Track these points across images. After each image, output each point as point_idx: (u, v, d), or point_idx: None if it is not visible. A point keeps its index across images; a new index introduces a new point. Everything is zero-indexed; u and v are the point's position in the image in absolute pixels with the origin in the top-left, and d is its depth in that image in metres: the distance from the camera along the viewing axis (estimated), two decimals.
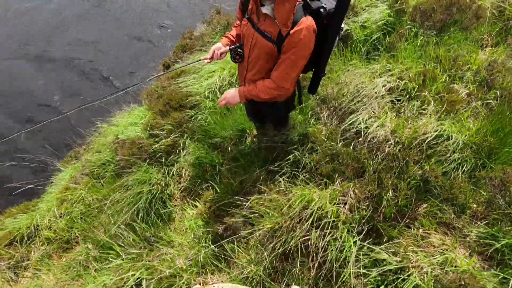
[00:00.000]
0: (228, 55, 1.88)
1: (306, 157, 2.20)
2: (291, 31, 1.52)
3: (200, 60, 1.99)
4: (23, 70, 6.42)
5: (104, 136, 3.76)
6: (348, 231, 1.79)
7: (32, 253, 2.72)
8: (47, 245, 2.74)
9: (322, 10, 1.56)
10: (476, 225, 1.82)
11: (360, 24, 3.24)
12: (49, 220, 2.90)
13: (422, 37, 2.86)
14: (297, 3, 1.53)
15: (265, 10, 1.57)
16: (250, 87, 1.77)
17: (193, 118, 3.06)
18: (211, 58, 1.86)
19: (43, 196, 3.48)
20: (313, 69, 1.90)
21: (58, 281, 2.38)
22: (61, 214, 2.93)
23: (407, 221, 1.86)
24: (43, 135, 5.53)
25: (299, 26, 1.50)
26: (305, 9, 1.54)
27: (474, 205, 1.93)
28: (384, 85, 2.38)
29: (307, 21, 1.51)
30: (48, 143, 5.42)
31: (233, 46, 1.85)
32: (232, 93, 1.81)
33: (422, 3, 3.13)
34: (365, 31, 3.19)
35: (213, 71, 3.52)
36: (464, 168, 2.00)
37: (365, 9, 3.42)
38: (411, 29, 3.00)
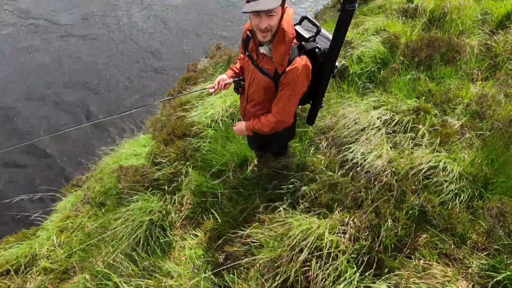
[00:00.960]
0: (232, 86, 2.03)
1: (306, 187, 2.25)
2: (287, 69, 1.64)
3: (205, 89, 2.11)
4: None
5: (107, 164, 3.82)
6: (348, 261, 1.78)
7: (28, 283, 2.67)
8: (44, 275, 2.70)
9: (317, 50, 1.69)
10: (477, 256, 1.81)
11: (356, 56, 3.44)
12: (47, 249, 2.87)
13: (413, 72, 3.02)
14: (293, 44, 1.64)
15: (263, 50, 1.70)
16: (254, 122, 1.90)
17: (195, 146, 3.14)
18: (217, 88, 1.99)
19: (43, 224, 3.47)
20: (311, 102, 2.03)
21: None
22: (60, 243, 2.90)
23: (407, 252, 1.86)
24: (47, 161, 5.61)
25: (293, 65, 1.62)
26: (300, 49, 1.66)
27: (474, 236, 1.94)
28: (379, 118, 2.48)
29: (302, 61, 1.63)
30: (51, 170, 5.48)
31: (236, 79, 1.99)
32: (239, 127, 2.01)
33: (410, 41, 3.35)
34: (360, 65, 3.37)
35: (216, 102, 3.66)
36: (461, 198, 2.04)
37: (360, 44, 3.64)
38: (403, 63, 3.18)
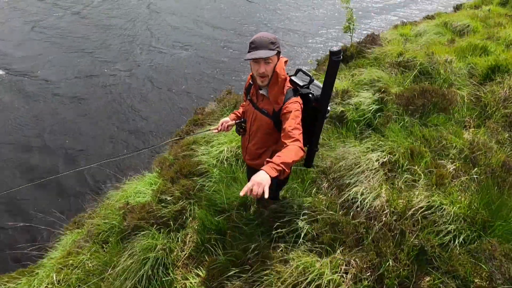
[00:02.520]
0: (234, 128, 2.29)
1: (307, 226, 2.30)
2: (284, 106, 1.88)
3: (210, 130, 2.40)
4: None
5: (112, 202, 3.88)
6: None
7: None
8: None
9: (310, 95, 1.95)
10: None
11: (353, 106, 3.70)
12: (46, 286, 2.82)
13: (407, 119, 3.24)
14: (288, 87, 1.92)
15: (262, 91, 1.98)
16: (277, 159, 1.61)
17: (201, 186, 3.24)
18: (220, 129, 2.26)
19: (42, 261, 3.43)
20: (307, 146, 2.19)
21: None
22: (60, 280, 2.86)
23: None
24: (49, 196, 5.67)
25: (290, 100, 1.88)
26: (296, 92, 1.93)
27: (477, 280, 1.94)
28: (377, 160, 2.62)
29: (296, 98, 1.90)
30: (53, 206, 5.51)
31: (238, 121, 2.27)
32: (259, 178, 1.51)
33: (404, 90, 3.63)
34: (358, 113, 3.62)
35: (222, 143, 3.85)
36: (460, 240, 2.07)
37: (356, 94, 3.94)
38: (398, 112, 3.42)
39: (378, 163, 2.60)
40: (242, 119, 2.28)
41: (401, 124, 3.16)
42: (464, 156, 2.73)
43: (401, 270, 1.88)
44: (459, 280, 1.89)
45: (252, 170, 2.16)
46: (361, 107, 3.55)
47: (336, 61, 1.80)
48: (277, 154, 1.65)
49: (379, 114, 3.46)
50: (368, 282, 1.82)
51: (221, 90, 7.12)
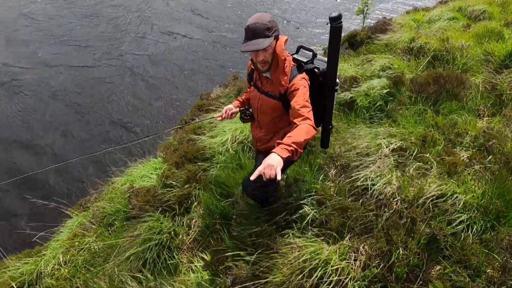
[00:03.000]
0: (238, 115, 2.23)
1: (315, 212, 2.25)
2: (289, 84, 1.80)
3: (213, 118, 2.34)
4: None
5: (118, 185, 3.88)
6: None
7: None
8: None
9: (316, 70, 1.86)
10: None
11: (364, 93, 3.59)
12: (52, 267, 2.85)
13: (420, 106, 3.13)
14: (291, 66, 1.85)
15: (266, 75, 1.90)
16: (287, 139, 1.53)
17: (206, 170, 3.20)
18: (224, 117, 2.19)
19: (49, 242, 3.46)
20: (321, 124, 2.11)
21: None
22: (66, 261, 2.89)
23: (420, 283, 1.81)
24: (55, 180, 5.72)
25: (295, 79, 1.81)
26: (300, 68, 1.86)
27: (489, 270, 1.89)
28: (388, 146, 2.54)
29: (301, 75, 1.83)
30: (60, 190, 5.56)
31: (242, 108, 2.20)
32: (271, 160, 1.44)
33: (417, 77, 3.50)
34: (368, 99, 3.51)
35: (228, 130, 3.79)
36: (473, 229, 2.01)
37: (366, 80, 3.82)
38: (410, 98, 3.31)
39: (389, 149, 2.52)
40: (247, 107, 2.21)
41: (413, 110, 3.06)
42: (479, 144, 2.64)
43: (412, 258, 1.83)
44: (471, 270, 1.84)
45: (263, 154, 2.09)
46: (372, 92, 3.44)
47: (336, 28, 1.68)
48: (288, 135, 1.57)
49: (391, 98, 3.35)
50: (377, 270, 1.78)
51: (227, 75, 7.00)
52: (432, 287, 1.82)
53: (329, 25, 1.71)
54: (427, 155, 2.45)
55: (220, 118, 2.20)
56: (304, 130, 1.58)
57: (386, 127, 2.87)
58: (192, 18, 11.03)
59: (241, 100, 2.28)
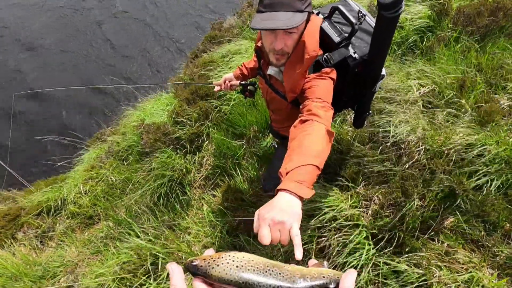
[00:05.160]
0: (239, 88, 1.87)
1: (329, 158, 2.16)
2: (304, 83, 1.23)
3: (211, 84, 2.09)
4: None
5: (131, 120, 3.87)
6: (367, 237, 1.74)
7: (58, 225, 2.87)
8: (71, 219, 2.88)
9: (350, 61, 1.25)
10: (507, 246, 1.71)
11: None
12: (74, 195, 3.04)
13: (463, 43, 2.70)
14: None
15: (271, 71, 1.32)
16: (299, 172, 0.91)
17: (218, 108, 3.08)
18: (222, 88, 1.84)
19: (70, 172, 3.65)
20: (356, 108, 1.65)
21: (79, 254, 2.50)
22: (86, 191, 3.06)
23: (432, 233, 1.79)
24: (71, 112, 5.83)
25: (311, 76, 1.21)
26: (317, 66, 1.22)
27: (508, 225, 1.82)
28: (418, 89, 2.27)
29: (323, 71, 1.21)
30: (77, 122, 5.70)
31: (243, 82, 1.81)
32: (284, 210, 0.80)
33: (465, 6, 2.95)
34: (401, 33, 3.06)
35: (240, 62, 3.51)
36: (497, 183, 1.88)
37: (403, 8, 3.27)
38: (452, 34, 2.84)
39: (419, 93, 2.26)
40: (249, 81, 1.80)
41: (454, 48, 2.65)
42: None
43: (426, 210, 1.77)
44: (488, 225, 1.78)
45: (281, 141, 1.82)
46: (407, 24, 2.98)
47: (390, 19, 1.07)
48: (293, 158, 0.94)
49: (429, 34, 2.90)
50: (388, 219, 1.74)
51: (240, 3, 6.29)
52: (443, 237, 1.80)
53: (379, 12, 1.08)
54: (462, 101, 2.18)
55: (218, 88, 1.86)
56: (326, 143, 1.00)
57: (419, 66, 2.53)
58: None
59: (244, 69, 1.79)
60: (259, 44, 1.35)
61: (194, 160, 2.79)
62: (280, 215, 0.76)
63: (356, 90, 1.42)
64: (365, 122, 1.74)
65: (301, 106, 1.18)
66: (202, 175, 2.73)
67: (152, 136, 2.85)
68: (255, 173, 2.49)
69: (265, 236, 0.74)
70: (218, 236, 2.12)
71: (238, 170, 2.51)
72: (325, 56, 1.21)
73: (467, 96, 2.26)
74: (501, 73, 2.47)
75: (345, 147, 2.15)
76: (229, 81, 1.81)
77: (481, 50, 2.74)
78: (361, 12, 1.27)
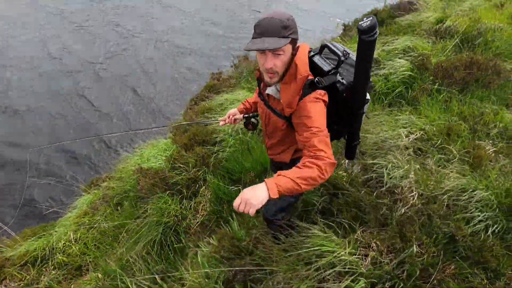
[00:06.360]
0: (242, 121, 1.99)
1: (326, 202, 2.17)
2: (299, 102, 1.40)
3: (217, 120, 2.20)
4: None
5: (128, 165, 3.89)
6: (367, 286, 1.68)
7: (43, 276, 2.71)
8: (58, 269, 2.73)
9: (338, 85, 1.43)
10: None
11: (383, 77, 3.38)
12: (63, 244, 2.92)
13: (444, 93, 2.92)
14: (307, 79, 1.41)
15: (269, 90, 1.51)
16: (288, 183, 1.22)
17: (215, 154, 3.14)
18: (227, 122, 1.98)
19: (61, 219, 3.55)
20: (346, 137, 1.79)
21: None
22: (77, 238, 2.95)
23: (434, 282, 1.73)
24: (68, 159, 5.83)
25: (304, 100, 1.40)
26: (312, 86, 1.41)
27: (510, 272, 1.79)
28: (408, 136, 2.39)
29: (316, 93, 1.40)
30: (72, 168, 5.68)
31: (246, 115, 1.96)
32: (254, 192, 1.20)
33: (443, 61, 3.24)
34: (387, 84, 3.30)
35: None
36: (494, 229, 1.89)
37: (387, 63, 3.58)
38: (434, 84, 3.08)
39: (409, 139, 2.37)
40: (251, 114, 1.95)
41: (437, 98, 2.85)
42: (508, 137, 2.45)
43: (426, 257, 1.74)
44: (490, 272, 1.74)
45: (274, 165, 1.93)
46: (392, 78, 3.23)
47: (368, 42, 1.26)
48: (295, 168, 1.26)
49: (413, 84, 3.13)
50: (388, 267, 1.70)
51: (238, 56, 6.79)
52: (446, 287, 1.74)
53: (359, 36, 1.27)
54: (450, 147, 2.29)
55: (222, 123, 1.99)
56: (309, 175, 1.23)
57: (406, 115, 2.69)
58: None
59: (247, 103, 1.97)
60: (257, 73, 1.61)
61: (190, 206, 2.76)
62: (250, 195, 1.18)
63: (346, 114, 1.57)
64: (356, 152, 1.85)
65: (302, 138, 1.36)
66: (198, 221, 2.68)
67: (149, 180, 2.86)
68: (251, 219, 2.46)
69: (235, 205, 1.19)
70: (213, 287, 2.02)
71: (235, 216, 2.48)
72: (316, 79, 1.42)
73: (454, 141, 2.37)
74: (483, 120, 2.64)
75: (341, 192, 2.18)
76: (233, 115, 1.95)
77: (462, 100, 2.95)
78: (345, 51, 1.52)
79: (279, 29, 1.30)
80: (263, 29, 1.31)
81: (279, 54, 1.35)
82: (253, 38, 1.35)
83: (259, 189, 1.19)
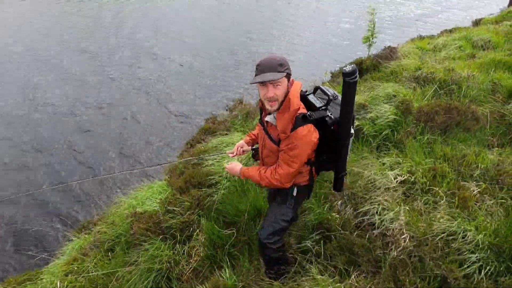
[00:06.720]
0: (250, 153, 2.22)
1: (320, 247, 2.18)
2: (292, 133, 1.68)
3: (225, 153, 2.39)
4: None
5: (121, 208, 3.85)
6: None
7: None
8: None
9: (327, 119, 1.71)
10: None
11: (370, 120, 3.58)
12: None
13: (428, 136, 3.09)
14: (298, 114, 1.68)
15: (268, 118, 1.79)
16: (252, 172, 1.88)
17: (210, 196, 3.17)
18: (236, 153, 2.19)
19: (48, 266, 3.41)
20: (334, 169, 1.97)
21: None
22: (64, 287, 2.81)
23: None
24: (58, 202, 5.69)
25: (296, 131, 1.67)
26: (304, 119, 1.68)
27: None
28: (396, 178, 2.49)
29: (303, 130, 1.66)
30: (62, 211, 5.53)
31: (254, 146, 2.19)
32: (233, 166, 2.03)
33: (424, 106, 3.49)
34: (374, 127, 3.49)
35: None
36: (486, 271, 1.91)
37: (373, 107, 3.82)
38: (417, 128, 3.28)
39: (397, 181, 2.46)
40: (258, 144, 2.13)
41: (421, 141, 3.02)
42: (490, 177, 2.57)
43: None
44: None
45: (273, 196, 2.07)
46: (378, 122, 3.43)
47: (351, 83, 1.56)
48: (265, 168, 1.84)
49: (398, 127, 3.32)
50: None
51: (233, 99, 7.10)
52: None
53: (343, 79, 1.58)
54: (437, 189, 2.38)
55: (232, 155, 2.21)
56: (268, 183, 1.80)
57: (393, 157, 2.83)
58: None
59: (253, 135, 2.22)
60: (260, 103, 1.90)
61: (184, 251, 2.71)
62: (230, 168, 2.05)
63: (334, 145, 1.81)
64: (343, 184, 2.01)
65: (279, 158, 1.76)
66: (191, 267, 2.62)
67: (142, 225, 2.83)
68: (246, 264, 2.42)
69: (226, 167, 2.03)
70: None
71: (229, 261, 2.45)
72: (308, 113, 1.70)
73: (439, 183, 2.47)
74: (466, 162, 2.77)
75: (334, 235, 2.21)
76: (241, 147, 2.17)
77: (444, 142, 3.13)
78: (335, 93, 1.78)
79: (276, 66, 1.62)
80: (263, 67, 1.63)
81: (278, 85, 1.65)
82: (255, 75, 1.66)
83: (236, 170, 1.98)
